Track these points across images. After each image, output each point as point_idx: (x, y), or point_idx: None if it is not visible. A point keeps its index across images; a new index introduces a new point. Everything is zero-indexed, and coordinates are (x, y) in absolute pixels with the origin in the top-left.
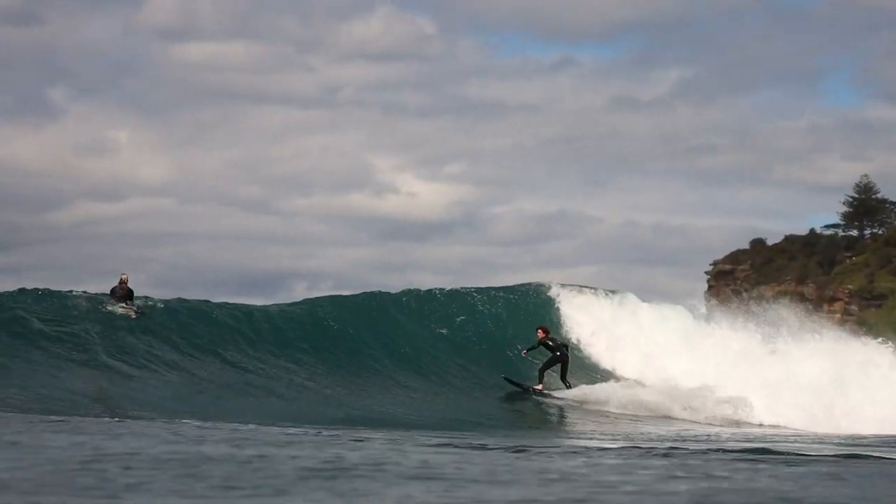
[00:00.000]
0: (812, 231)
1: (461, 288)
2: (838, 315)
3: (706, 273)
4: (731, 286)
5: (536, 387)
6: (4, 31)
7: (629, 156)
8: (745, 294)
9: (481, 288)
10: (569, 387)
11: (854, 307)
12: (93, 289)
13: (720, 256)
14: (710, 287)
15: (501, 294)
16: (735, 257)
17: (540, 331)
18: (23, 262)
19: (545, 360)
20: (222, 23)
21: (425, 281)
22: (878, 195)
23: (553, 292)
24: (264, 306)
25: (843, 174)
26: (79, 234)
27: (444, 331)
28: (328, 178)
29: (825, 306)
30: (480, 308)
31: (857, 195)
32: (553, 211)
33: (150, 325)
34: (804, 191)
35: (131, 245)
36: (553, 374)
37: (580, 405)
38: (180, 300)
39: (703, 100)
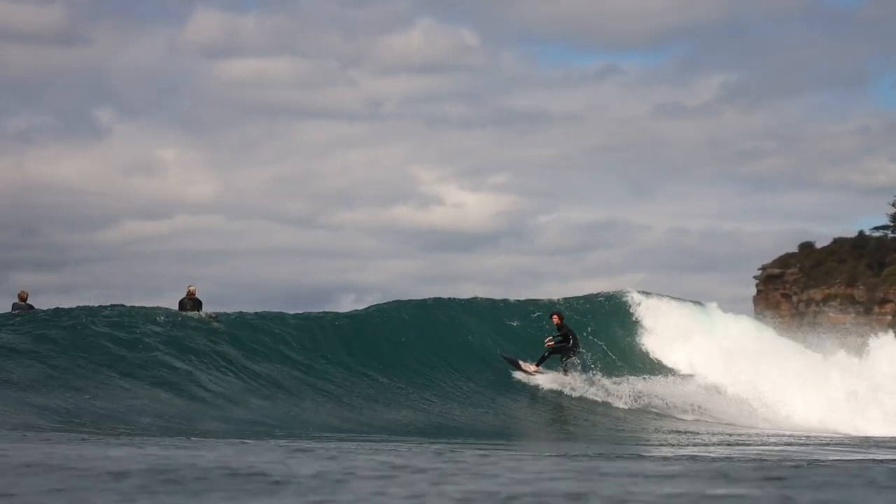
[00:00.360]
0: (861, 233)
1: (526, 299)
2: (889, 317)
3: (755, 278)
4: (780, 290)
5: (529, 367)
6: (51, 52)
7: (675, 163)
8: (794, 298)
9: (552, 298)
10: (566, 373)
11: None
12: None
13: (769, 261)
14: (758, 292)
15: (578, 302)
16: (784, 261)
17: (556, 316)
18: (71, 281)
19: (554, 345)
20: (266, 39)
21: (473, 290)
22: None
23: (633, 299)
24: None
25: (892, 175)
26: (127, 253)
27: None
28: (373, 191)
29: (875, 308)
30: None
31: None
32: (599, 219)
33: (231, 335)
34: (853, 193)
35: (179, 262)
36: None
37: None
38: (240, 313)
39: (749, 104)
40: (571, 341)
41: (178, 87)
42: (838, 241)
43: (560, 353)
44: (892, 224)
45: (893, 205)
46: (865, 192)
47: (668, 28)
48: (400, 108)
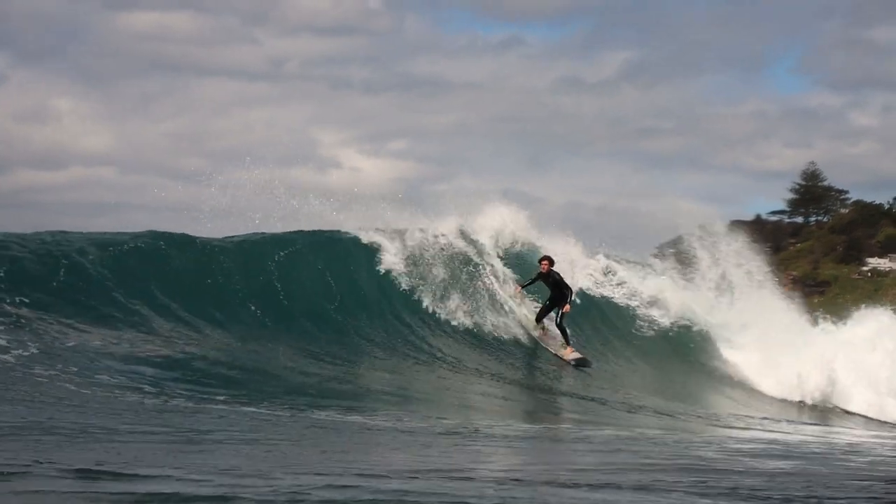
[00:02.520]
0: (758, 216)
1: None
2: None
3: (652, 256)
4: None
5: (569, 351)
6: None
7: (574, 137)
8: None
9: None
10: (564, 331)
11: (798, 293)
12: None
13: (665, 240)
14: None
15: None
16: (679, 241)
17: (545, 262)
18: None
19: (546, 300)
20: None
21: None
22: (825, 182)
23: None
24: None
25: (786, 160)
26: (20, 202)
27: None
28: (271, 152)
29: None
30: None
31: (803, 182)
32: (495, 190)
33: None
34: (747, 176)
35: (72, 214)
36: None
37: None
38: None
39: (649, 83)
40: (566, 292)
41: (78, 37)
42: (735, 224)
43: (553, 309)
44: (788, 209)
45: (791, 190)
46: (760, 175)
47: (573, 3)
48: (302, 69)
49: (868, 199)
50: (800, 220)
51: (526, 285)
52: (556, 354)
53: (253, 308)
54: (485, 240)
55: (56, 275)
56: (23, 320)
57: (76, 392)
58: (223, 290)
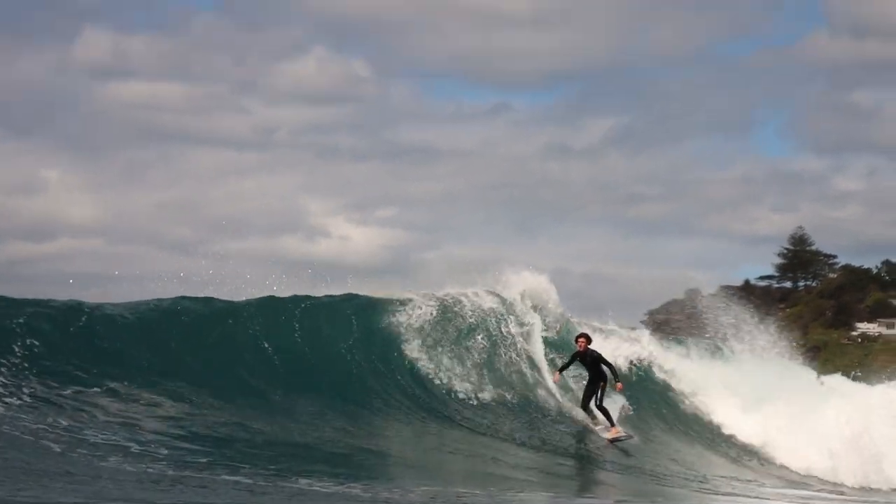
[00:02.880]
0: (747, 282)
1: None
2: None
3: (641, 323)
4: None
5: (614, 432)
6: None
7: (562, 203)
8: None
9: None
10: (606, 412)
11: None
12: None
13: (655, 306)
14: None
15: None
16: (670, 307)
17: (581, 340)
18: None
19: (594, 382)
20: (156, 62)
21: None
22: (812, 247)
23: None
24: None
25: (773, 224)
26: (10, 275)
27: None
28: (261, 220)
29: None
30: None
31: (791, 247)
32: (483, 257)
33: None
34: (735, 241)
35: (61, 285)
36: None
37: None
38: None
39: (635, 148)
40: (609, 370)
41: (65, 107)
42: (724, 289)
43: (597, 387)
44: (777, 274)
45: (779, 254)
46: (747, 240)
47: (560, 69)
48: (291, 138)
49: (856, 263)
50: (788, 284)
51: (563, 369)
52: (608, 440)
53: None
54: (523, 311)
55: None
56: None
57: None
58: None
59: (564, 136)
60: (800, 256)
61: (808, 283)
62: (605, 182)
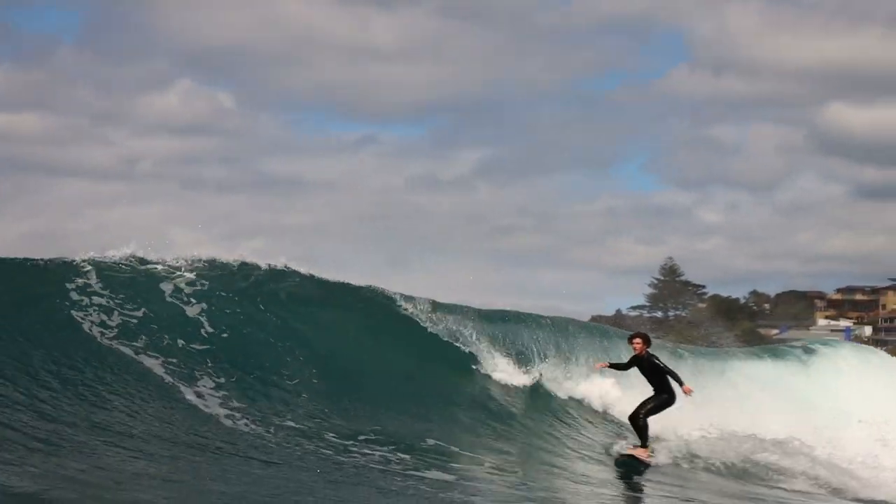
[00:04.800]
0: (618, 311)
1: None
2: None
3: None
4: None
5: (640, 452)
6: None
7: (432, 235)
8: None
9: None
10: (645, 428)
11: None
12: None
13: None
14: None
15: None
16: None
17: (637, 340)
18: None
19: (656, 395)
20: (16, 93)
21: None
22: (682, 277)
23: None
24: None
25: (640, 257)
26: None
27: None
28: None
29: None
30: None
31: (662, 277)
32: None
33: None
34: (604, 273)
35: None
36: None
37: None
38: None
39: (504, 181)
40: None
41: None
42: (596, 320)
43: (663, 408)
44: (648, 304)
45: (650, 285)
46: (617, 272)
47: (428, 102)
48: (156, 168)
49: (724, 293)
50: (659, 314)
51: (616, 366)
52: (623, 455)
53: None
54: None
55: None
56: None
57: None
58: None
59: (433, 167)
60: (669, 287)
61: (679, 312)
62: (476, 213)
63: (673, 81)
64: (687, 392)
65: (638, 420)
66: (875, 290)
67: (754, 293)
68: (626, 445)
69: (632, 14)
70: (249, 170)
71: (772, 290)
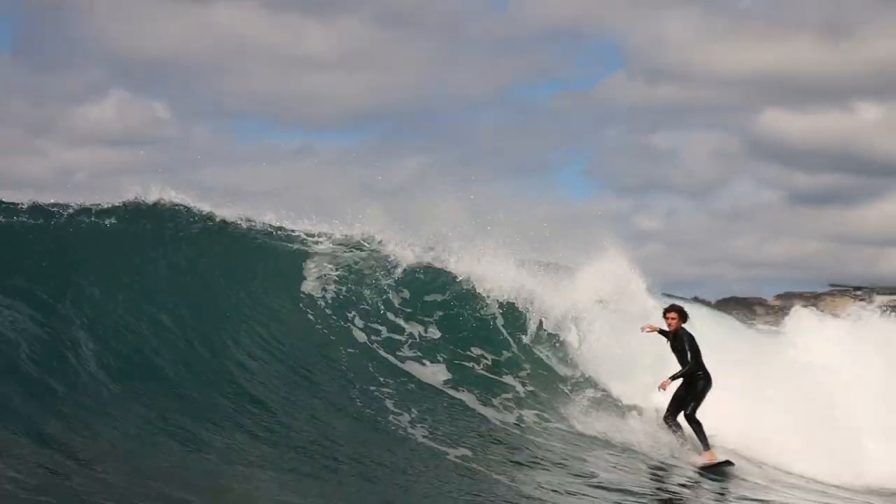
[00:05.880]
0: None
1: None
2: None
3: None
4: None
5: (710, 457)
6: None
7: None
8: None
9: None
10: (700, 427)
11: None
12: None
13: None
14: None
15: None
16: None
17: (672, 315)
18: None
19: (693, 382)
20: None
21: None
22: None
23: None
24: None
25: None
26: None
27: None
28: None
29: None
30: None
31: None
32: None
33: None
34: None
35: None
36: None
37: None
38: None
39: (443, 188)
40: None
41: None
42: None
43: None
44: None
45: None
46: None
47: (364, 110)
48: (91, 180)
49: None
50: None
51: (663, 332)
52: (696, 467)
53: None
54: None
55: None
56: None
57: None
58: None
59: (371, 175)
60: None
61: None
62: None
63: (609, 89)
64: (664, 387)
65: (691, 423)
66: (815, 296)
67: (695, 300)
68: (698, 459)
69: (567, 23)
70: (185, 179)
71: (712, 296)
